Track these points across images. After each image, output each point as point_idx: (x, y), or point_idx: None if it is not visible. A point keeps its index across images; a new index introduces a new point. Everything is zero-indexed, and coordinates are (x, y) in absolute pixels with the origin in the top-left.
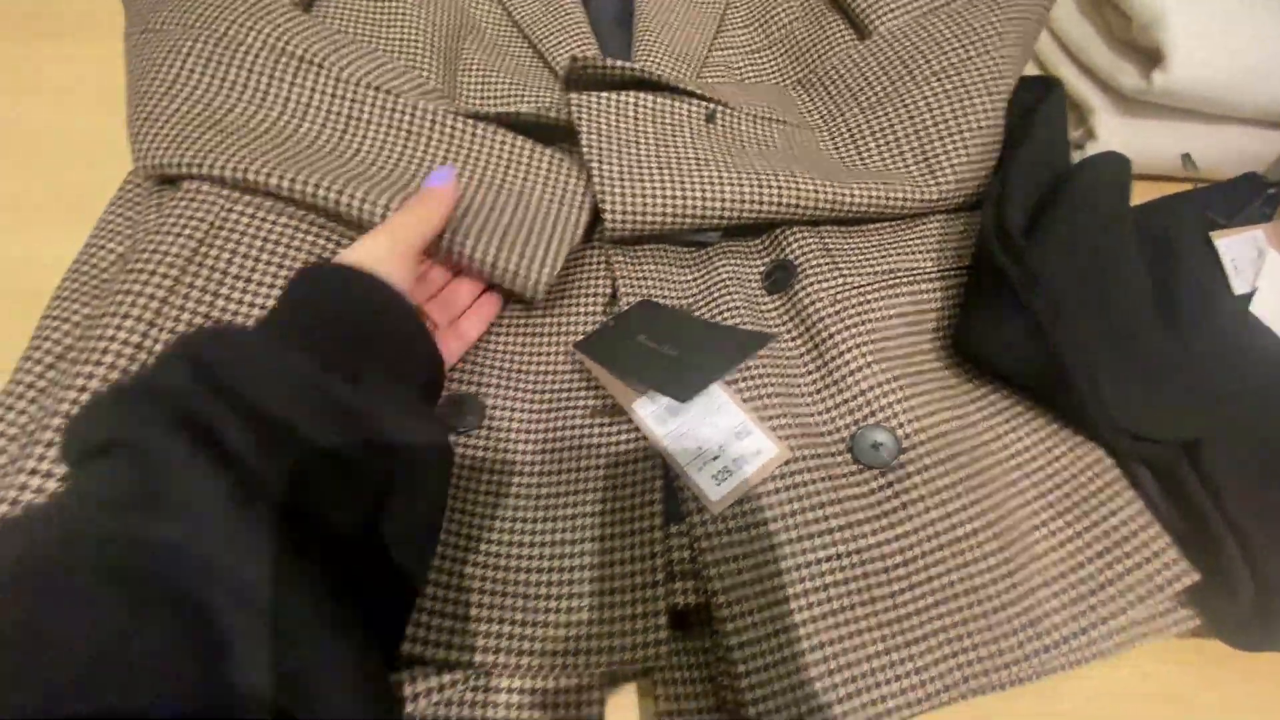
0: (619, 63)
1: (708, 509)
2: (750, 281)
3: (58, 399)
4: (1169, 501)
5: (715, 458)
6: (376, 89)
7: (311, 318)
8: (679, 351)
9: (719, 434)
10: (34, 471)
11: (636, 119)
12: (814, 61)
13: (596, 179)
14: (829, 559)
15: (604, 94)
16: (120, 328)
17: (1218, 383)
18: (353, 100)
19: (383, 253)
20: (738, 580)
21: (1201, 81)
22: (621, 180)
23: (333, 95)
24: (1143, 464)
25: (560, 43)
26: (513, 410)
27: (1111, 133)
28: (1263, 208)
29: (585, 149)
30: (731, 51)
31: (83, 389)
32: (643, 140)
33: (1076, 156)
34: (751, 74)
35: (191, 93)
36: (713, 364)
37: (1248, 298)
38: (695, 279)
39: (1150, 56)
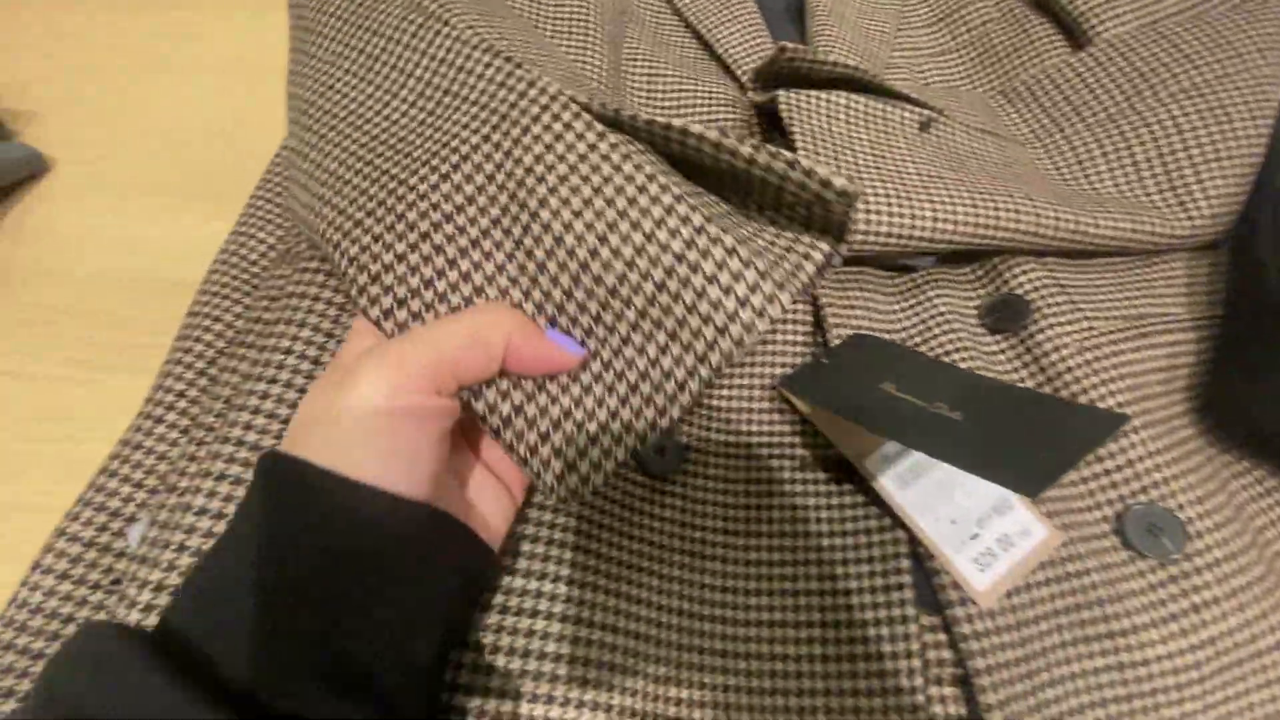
0: (831, 57)
1: (974, 600)
2: (966, 317)
3: (230, 423)
4: None
5: (974, 536)
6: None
7: (242, 585)
8: (965, 415)
9: (975, 506)
10: (203, 511)
11: (849, 122)
12: (1017, 69)
13: None
14: (1110, 668)
15: (814, 92)
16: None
17: None
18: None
19: (387, 400)
20: (1013, 692)
21: None
22: None
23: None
24: None
25: (731, 34)
26: (709, 454)
27: None
28: None
29: (801, 152)
30: (914, 53)
31: (256, 410)
32: (859, 148)
33: None
34: (938, 79)
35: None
36: (1050, 445)
37: None
38: (906, 310)
39: None
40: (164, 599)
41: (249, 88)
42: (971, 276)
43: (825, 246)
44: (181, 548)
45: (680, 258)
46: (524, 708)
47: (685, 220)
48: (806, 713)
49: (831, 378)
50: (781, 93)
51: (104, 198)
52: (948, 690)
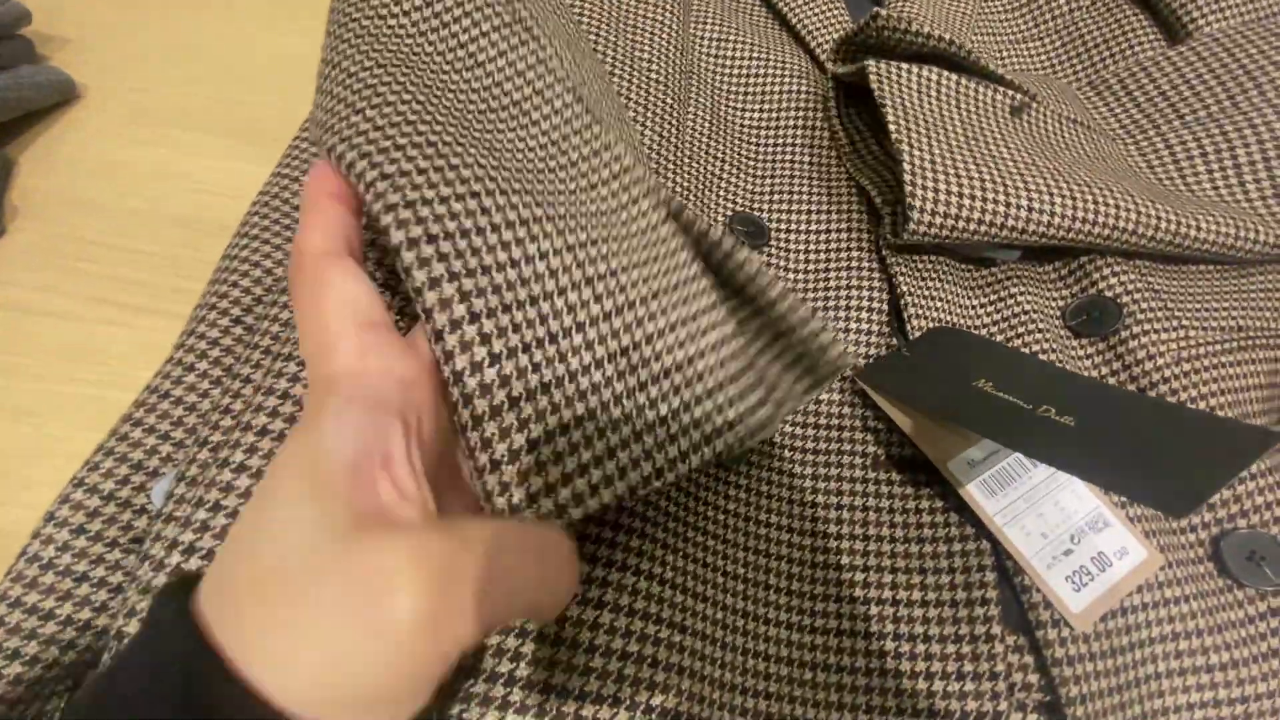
0: (925, 29)
1: (1068, 621)
2: (1050, 316)
3: (274, 373)
4: None
5: (1068, 552)
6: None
7: None
8: (1079, 422)
9: (1069, 521)
10: (241, 468)
11: (940, 99)
12: (1108, 60)
13: (907, 165)
14: (1207, 704)
15: (906, 65)
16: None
17: None
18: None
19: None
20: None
21: None
22: (934, 171)
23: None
24: None
25: (807, 4)
26: (775, 444)
27: None
28: None
29: (893, 127)
30: (992, 38)
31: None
32: (951, 127)
33: None
34: (1021, 66)
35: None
36: (1195, 461)
37: None
38: (988, 305)
39: None
40: (195, 562)
41: (297, 26)
42: (1055, 275)
43: (807, 388)
44: (217, 507)
45: (698, 369)
46: (587, 709)
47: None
48: None
49: (916, 371)
50: (872, 62)
51: (139, 130)
52: (1032, 718)
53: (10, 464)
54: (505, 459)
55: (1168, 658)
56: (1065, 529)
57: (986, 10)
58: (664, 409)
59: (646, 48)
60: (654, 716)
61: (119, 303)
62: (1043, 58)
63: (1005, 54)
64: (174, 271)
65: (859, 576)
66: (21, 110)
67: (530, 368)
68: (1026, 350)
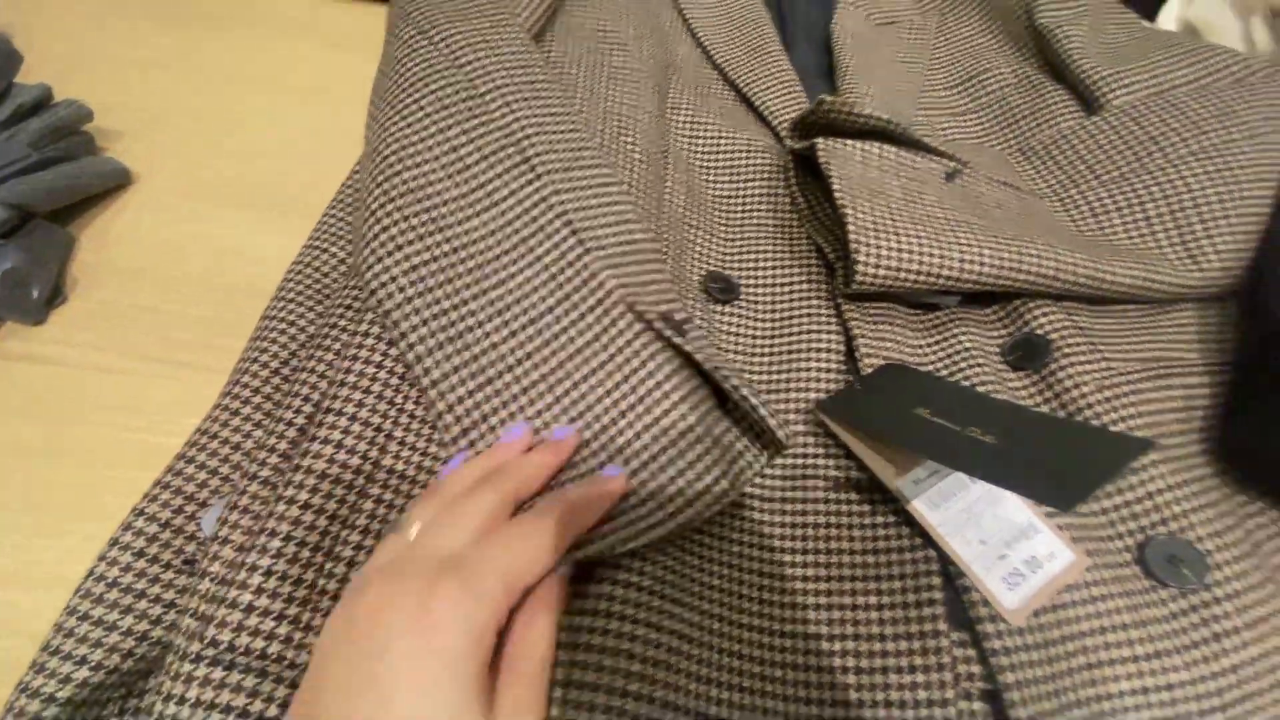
0: (867, 110)
1: (1004, 618)
2: (989, 354)
3: (314, 420)
4: None
5: (1003, 556)
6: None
7: None
8: (999, 440)
9: (1003, 529)
10: (294, 502)
11: (882, 170)
12: (1034, 130)
13: (852, 227)
14: (1135, 692)
15: (850, 141)
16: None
17: None
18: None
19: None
20: (1041, 709)
21: None
22: (876, 231)
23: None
24: None
25: (769, 89)
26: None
27: None
28: None
29: (838, 195)
30: (936, 112)
31: (351, 416)
32: (891, 193)
33: None
34: (958, 137)
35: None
36: (1082, 466)
37: None
38: (932, 345)
39: None
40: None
41: (325, 111)
42: (994, 317)
43: (763, 459)
44: (277, 534)
45: (669, 440)
46: (572, 694)
47: (683, 417)
48: None
49: (866, 403)
50: (820, 141)
51: (182, 208)
52: (977, 705)
53: (70, 500)
54: None
55: (1097, 649)
56: (1001, 536)
57: (929, 88)
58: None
59: (630, 133)
60: (629, 700)
61: (165, 359)
62: (979, 128)
63: (946, 126)
64: (213, 332)
65: (822, 585)
66: (82, 195)
67: None
68: (967, 383)
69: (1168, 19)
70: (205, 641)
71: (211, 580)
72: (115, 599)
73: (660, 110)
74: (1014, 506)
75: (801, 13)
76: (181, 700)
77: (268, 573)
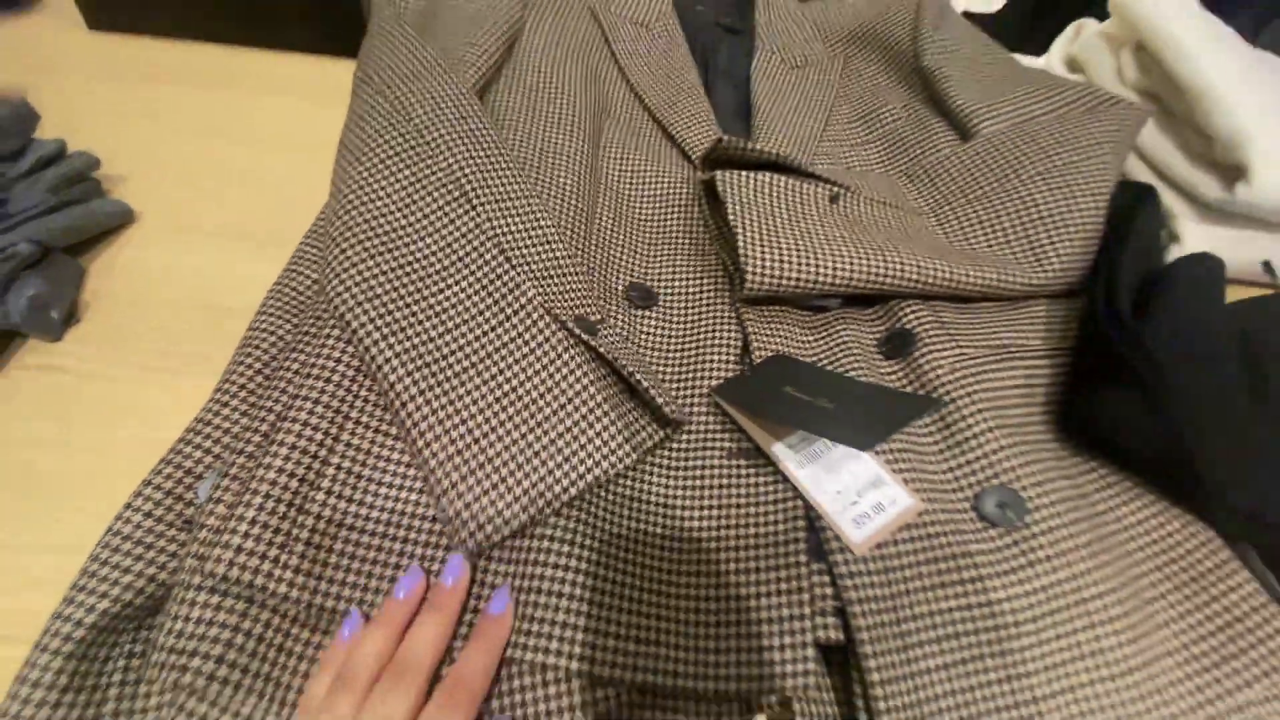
0: (758, 146)
1: (850, 550)
2: (868, 346)
3: (292, 408)
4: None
5: (854, 503)
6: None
7: None
8: (835, 405)
9: (856, 482)
10: (281, 470)
11: (771, 195)
12: (919, 156)
13: (741, 243)
14: (961, 609)
15: (745, 172)
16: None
17: None
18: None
19: None
20: (878, 620)
21: None
22: (762, 245)
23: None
24: (1251, 545)
25: (689, 127)
26: (659, 445)
27: (1196, 238)
28: None
29: (731, 217)
30: (838, 144)
31: (312, 404)
32: (778, 214)
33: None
34: (858, 164)
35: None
36: (883, 419)
37: None
38: (817, 340)
39: (1232, 172)
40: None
41: (299, 157)
42: (873, 315)
43: (661, 433)
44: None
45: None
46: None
47: (591, 397)
48: (725, 637)
49: (750, 386)
50: (718, 173)
51: (176, 242)
52: (830, 620)
53: (79, 484)
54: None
55: (930, 575)
56: (854, 487)
57: (835, 122)
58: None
59: (561, 169)
60: (558, 627)
61: (160, 369)
62: (876, 156)
63: (848, 155)
64: (201, 345)
65: (714, 532)
66: (92, 232)
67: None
68: (845, 370)
69: (1056, 53)
70: (204, 575)
71: (208, 530)
72: (129, 549)
73: (593, 147)
74: (865, 463)
75: (723, 59)
76: (186, 619)
77: (253, 522)
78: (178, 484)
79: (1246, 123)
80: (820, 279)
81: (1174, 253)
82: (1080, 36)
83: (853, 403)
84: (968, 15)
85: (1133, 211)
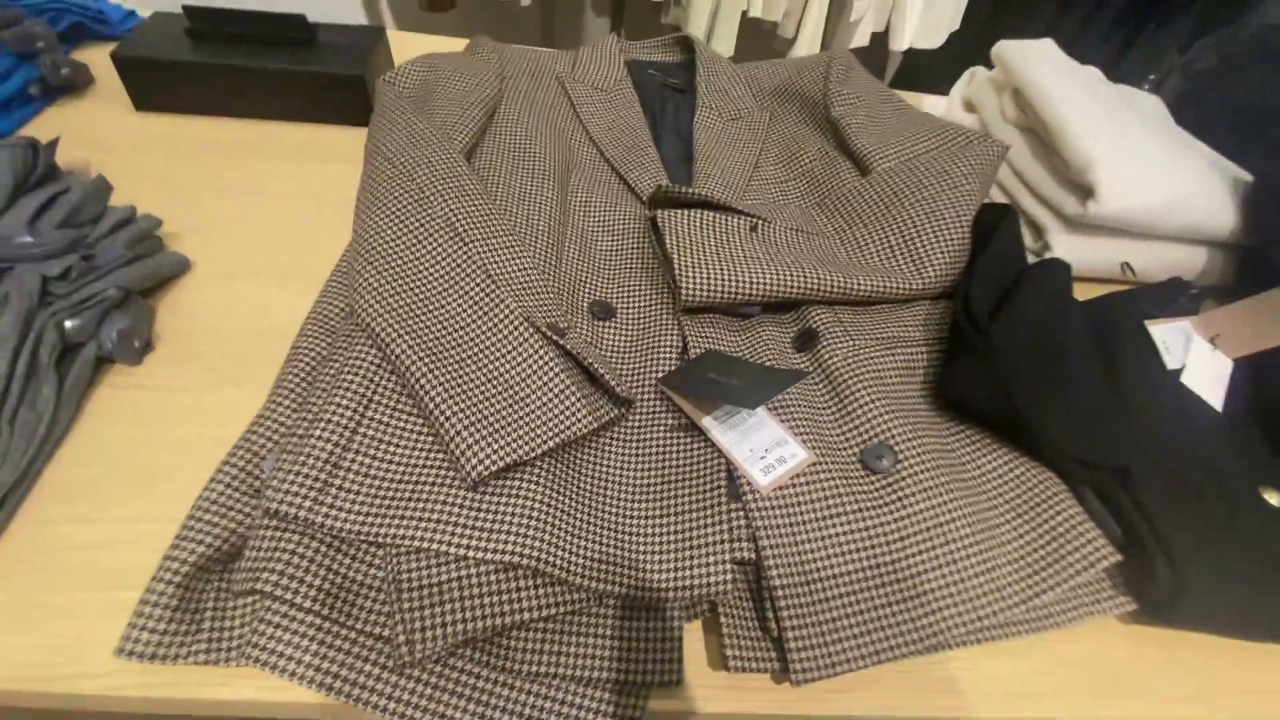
0: (690, 190)
1: (758, 491)
2: (784, 343)
3: (329, 405)
4: (1109, 514)
5: (762, 457)
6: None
7: None
8: (741, 383)
9: (764, 442)
10: (323, 437)
11: (701, 227)
12: (828, 190)
13: (677, 266)
14: (846, 533)
15: (680, 210)
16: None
17: (1144, 426)
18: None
19: None
20: (779, 539)
21: (1125, 212)
22: (694, 267)
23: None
24: (1087, 486)
25: (642, 175)
26: (623, 424)
27: (1063, 246)
28: (1187, 304)
29: (669, 247)
30: (766, 182)
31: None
32: (707, 242)
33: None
34: (780, 197)
35: (391, 247)
36: (768, 389)
37: (1178, 371)
38: (743, 340)
39: (1085, 191)
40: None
41: (325, 209)
42: (789, 319)
43: (615, 410)
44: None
45: (552, 393)
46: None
47: (561, 381)
48: (665, 554)
49: (685, 375)
50: (659, 211)
51: (225, 283)
52: (744, 544)
53: (165, 472)
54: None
55: (822, 508)
56: (764, 445)
57: (762, 164)
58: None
59: (536, 212)
60: (527, 538)
61: (220, 382)
62: (796, 191)
63: (774, 191)
64: (250, 363)
65: (657, 485)
66: (160, 279)
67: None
68: (763, 361)
69: (957, 95)
70: (268, 514)
71: (271, 489)
72: (216, 510)
73: (562, 194)
74: (772, 429)
75: (670, 115)
76: (257, 546)
77: (300, 474)
78: (247, 463)
79: (1092, 150)
80: (740, 291)
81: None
82: (973, 81)
83: (753, 381)
84: (913, 50)
85: (995, 228)
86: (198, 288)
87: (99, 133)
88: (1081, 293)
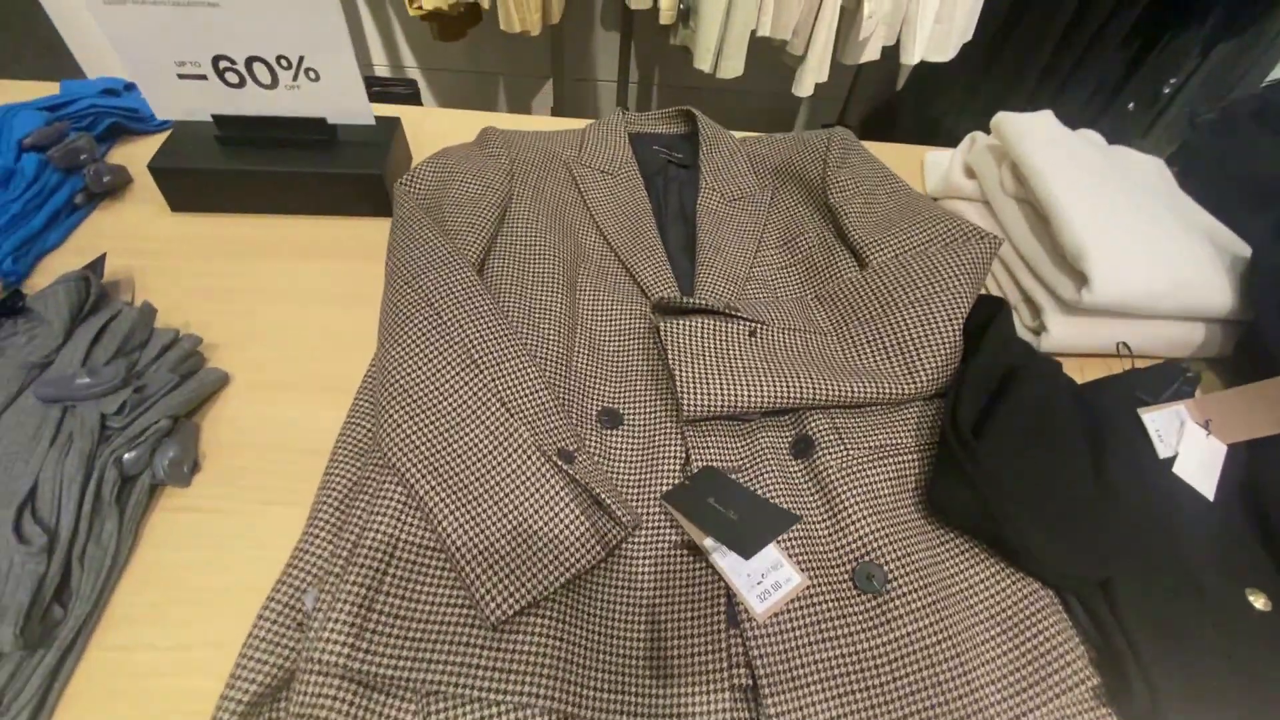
0: (690, 301)
1: (755, 619)
2: (781, 450)
3: (366, 533)
4: (1092, 624)
5: (759, 582)
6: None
7: None
8: (739, 517)
9: (761, 566)
10: (328, 592)
11: (701, 337)
12: (827, 280)
13: (679, 381)
14: (837, 656)
15: (681, 320)
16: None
17: (1130, 531)
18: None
19: None
20: (775, 668)
21: (1118, 298)
22: (695, 382)
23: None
24: (1073, 594)
25: (647, 268)
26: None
27: (1059, 327)
28: (1183, 387)
29: (671, 361)
30: (766, 268)
31: (375, 530)
32: (707, 352)
33: (1034, 340)
34: (780, 285)
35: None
36: (763, 533)
37: (1170, 460)
38: (742, 446)
39: (1080, 277)
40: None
41: (354, 315)
42: (785, 423)
43: (621, 534)
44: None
45: (561, 525)
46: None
47: (571, 511)
48: (666, 682)
49: (686, 495)
50: (661, 322)
51: (262, 396)
52: (741, 670)
53: (218, 594)
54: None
55: (814, 632)
56: (760, 570)
57: (763, 247)
58: (545, 557)
59: (546, 320)
60: (541, 678)
61: (263, 501)
62: (796, 279)
63: (774, 278)
64: (289, 479)
65: (662, 604)
66: (203, 399)
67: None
68: (761, 469)
69: (957, 160)
70: (312, 661)
71: (314, 631)
72: (264, 648)
73: (571, 298)
74: (769, 553)
75: (674, 197)
76: (303, 693)
77: (337, 621)
78: (290, 598)
79: (1085, 240)
80: (739, 404)
81: (1043, 341)
82: (974, 147)
83: (751, 515)
84: (924, 64)
85: (988, 323)
86: (238, 404)
87: (139, 236)
88: (1077, 367)
